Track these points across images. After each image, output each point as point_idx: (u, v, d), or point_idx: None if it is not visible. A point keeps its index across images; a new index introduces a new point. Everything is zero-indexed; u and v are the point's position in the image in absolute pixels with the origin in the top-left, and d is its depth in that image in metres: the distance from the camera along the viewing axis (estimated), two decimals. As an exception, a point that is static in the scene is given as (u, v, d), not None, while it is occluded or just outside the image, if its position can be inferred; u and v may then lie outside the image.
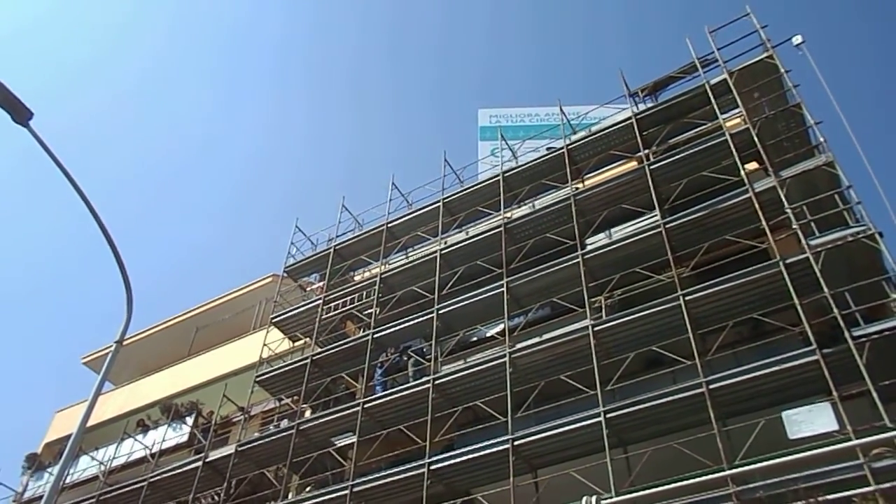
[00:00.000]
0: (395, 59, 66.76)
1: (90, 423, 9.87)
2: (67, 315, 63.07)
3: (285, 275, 19.16)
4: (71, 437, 9.24)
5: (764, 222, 11.41)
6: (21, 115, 9.18)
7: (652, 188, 13.34)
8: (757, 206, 11.69)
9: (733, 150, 12.64)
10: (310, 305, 17.47)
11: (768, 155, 12.26)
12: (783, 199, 11.32)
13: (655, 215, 13.04)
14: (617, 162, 15.82)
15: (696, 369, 10.48)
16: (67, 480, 18.43)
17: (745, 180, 12.17)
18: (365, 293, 16.80)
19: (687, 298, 11.37)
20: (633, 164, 14.89)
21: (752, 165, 12.95)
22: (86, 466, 19.40)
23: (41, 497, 9.79)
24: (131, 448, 18.89)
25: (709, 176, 12.86)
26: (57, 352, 64.10)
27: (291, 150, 68.43)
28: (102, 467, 18.62)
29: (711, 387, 10.25)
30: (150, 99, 65.08)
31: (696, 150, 13.45)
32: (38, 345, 62.03)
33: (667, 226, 12.62)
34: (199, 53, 66.00)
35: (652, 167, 13.73)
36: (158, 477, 16.27)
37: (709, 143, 13.31)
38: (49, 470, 20.72)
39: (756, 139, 12.46)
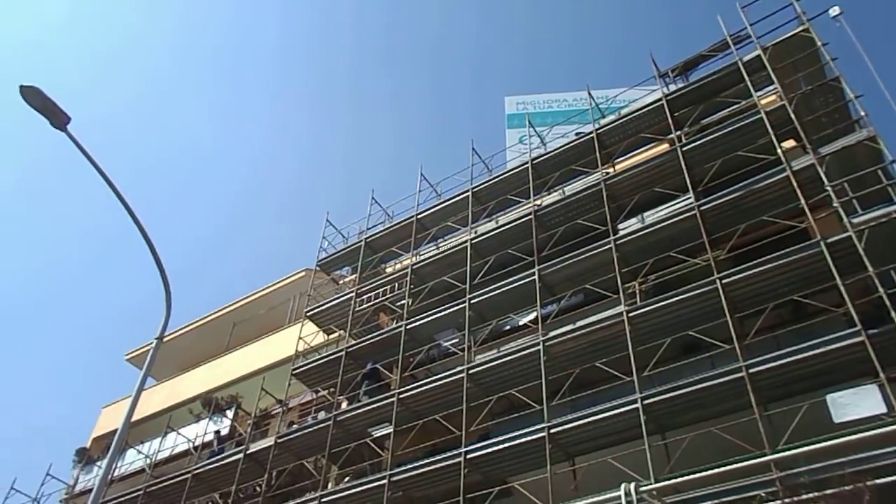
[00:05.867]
0: (414, 51, 66.64)
1: (135, 417, 10.12)
2: (111, 313, 64.65)
3: (318, 269, 19.31)
4: (117, 432, 9.47)
5: (803, 201, 11.09)
6: (59, 119, 9.39)
7: (685, 170, 13.07)
8: (795, 184, 11.37)
9: (769, 128, 12.29)
10: (343, 298, 17.58)
11: (806, 132, 11.90)
12: (823, 177, 10.99)
13: (689, 198, 12.78)
14: (648, 145, 15.56)
15: (735, 353, 10.26)
16: (115, 473, 18.93)
17: (783, 159, 11.84)
18: (397, 285, 16.85)
19: (724, 282, 11.14)
20: (664, 147, 14.62)
21: (790, 143, 12.61)
22: (132, 459, 19.93)
23: (91, 490, 10.06)
24: (175, 441, 19.31)
25: (744, 156, 12.56)
26: (103, 349, 65.82)
27: (319, 143, 68.92)
28: (148, 460, 19.08)
29: (751, 371, 10.04)
30: (160, 100, 66.04)
31: (730, 129, 13.12)
32: (85, 343, 63.79)
33: (701, 208, 12.36)
34: (210, 51, 66.71)
35: (684, 149, 13.46)
36: (202, 469, 16.59)
37: (743, 122, 12.96)
38: (98, 463, 21.30)
39: (793, 116, 12.09)
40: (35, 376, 62.71)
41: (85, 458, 22.19)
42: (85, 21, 61.73)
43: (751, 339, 10.58)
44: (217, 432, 18.77)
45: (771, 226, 11.89)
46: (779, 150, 11.99)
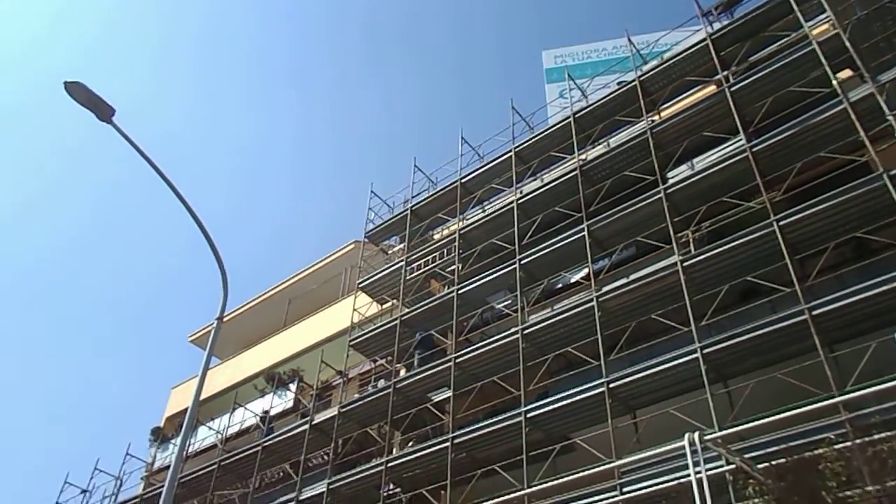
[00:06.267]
0: (439, 12, 65.65)
1: (203, 395, 10.49)
2: (173, 298, 66.90)
3: (366, 240, 19.48)
4: (188, 410, 9.83)
5: (862, 133, 10.56)
6: (104, 112, 9.61)
7: (734, 111, 12.60)
8: (853, 116, 10.83)
9: (822, 60, 11.69)
10: (393, 268, 17.72)
11: (863, 59, 11.26)
12: (883, 106, 10.41)
13: (740, 139, 12.35)
14: (694, 88, 15.04)
15: (797, 296, 9.97)
16: (190, 450, 19.69)
17: (839, 90, 11.27)
18: (445, 251, 16.90)
19: (781, 223, 10.78)
20: (711, 89, 14.11)
21: (845, 73, 11.98)
22: (205, 436, 20.68)
23: (169, 466, 10.51)
24: (243, 416, 19.98)
25: (796, 91, 12.04)
26: (167, 333, 68.35)
27: (350, 113, 69.03)
28: (219, 435, 19.80)
29: (815, 313, 9.75)
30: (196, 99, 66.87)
31: (780, 64, 12.55)
32: (151, 328, 66.28)
33: (754, 149, 11.92)
34: (233, 42, 67.06)
35: (732, 89, 12.95)
36: (271, 441, 17.13)
37: (794, 56, 12.38)
38: (173, 441, 22.18)
39: (848, 44, 11.45)
40: (108, 364, 65.66)
41: (160, 436, 23.09)
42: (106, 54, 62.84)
43: (812, 281, 10.26)
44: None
45: (828, 162, 11.43)
46: (834, 82, 11.42)
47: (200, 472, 18.27)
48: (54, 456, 56.72)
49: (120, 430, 55.86)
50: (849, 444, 8.28)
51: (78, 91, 9.42)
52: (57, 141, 61.20)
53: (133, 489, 21.17)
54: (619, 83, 16.04)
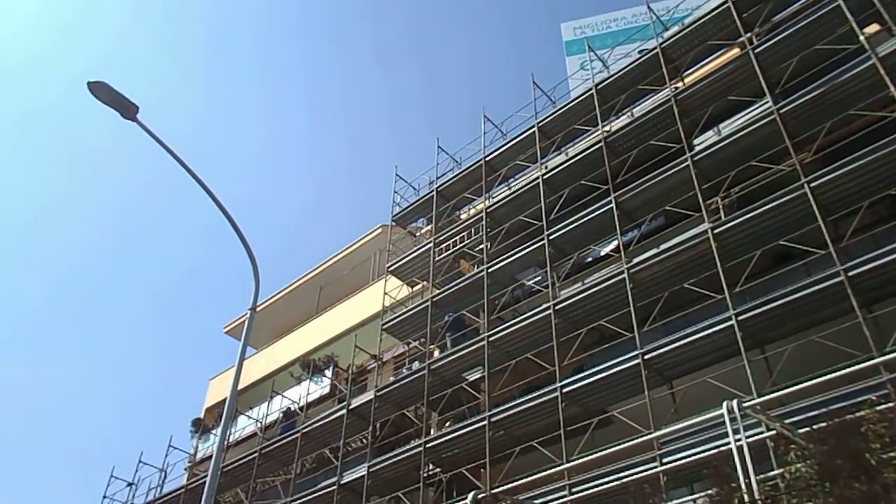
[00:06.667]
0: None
1: (241, 385, 10.66)
2: (207, 291, 67.97)
3: (393, 223, 19.56)
4: (227, 401, 10.01)
5: (892, 88, 10.33)
6: (128, 110, 9.74)
7: (760, 73, 12.37)
8: (882, 72, 10.58)
9: (848, 15, 11.42)
10: (422, 250, 17.79)
11: (890, 13, 11.00)
12: (914, 59, 10.19)
13: (767, 102, 12.13)
14: (717, 53, 14.77)
15: (832, 258, 9.84)
16: (230, 439, 20.07)
17: (866, 46, 11.01)
18: (473, 230, 16.91)
19: (812, 185, 10.62)
20: (735, 52, 13.85)
21: (872, 28, 11.70)
22: (244, 425, 21.07)
23: (211, 457, 10.73)
24: (281, 404, 20.30)
25: (822, 49, 11.78)
26: (203, 325, 69.59)
27: (366, 97, 68.96)
28: (259, 424, 20.16)
29: (850, 274, 9.61)
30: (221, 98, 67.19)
31: (804, 23, 12.28)
32: (187, 322, 67.48)
33: (781, 111, 11.70)
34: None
35: (757, 51, 12.70)
36: (310, 427, 17.38)
37: (819, 13, 12.09)
38: (213, 432, 22.60)
39: (874, -3, 11.19)
40: (147, 359, 67.09)
41: (201, 427, 23.50)
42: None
43: (847, 242, 10.11)
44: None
45: (858, 120, 11.21)
46: (861, 38, 11.15)
47: (242, 461, 18.63)
48: (99, 451, 58.37)
49: (162, 422, 57.29)
50: (891, 404, 8.18)
51: (101, 90, 9.52)
52: (80, 143, 62.19)
53: (177, 480, 21.66)
54: (640, 52, 15.79)
